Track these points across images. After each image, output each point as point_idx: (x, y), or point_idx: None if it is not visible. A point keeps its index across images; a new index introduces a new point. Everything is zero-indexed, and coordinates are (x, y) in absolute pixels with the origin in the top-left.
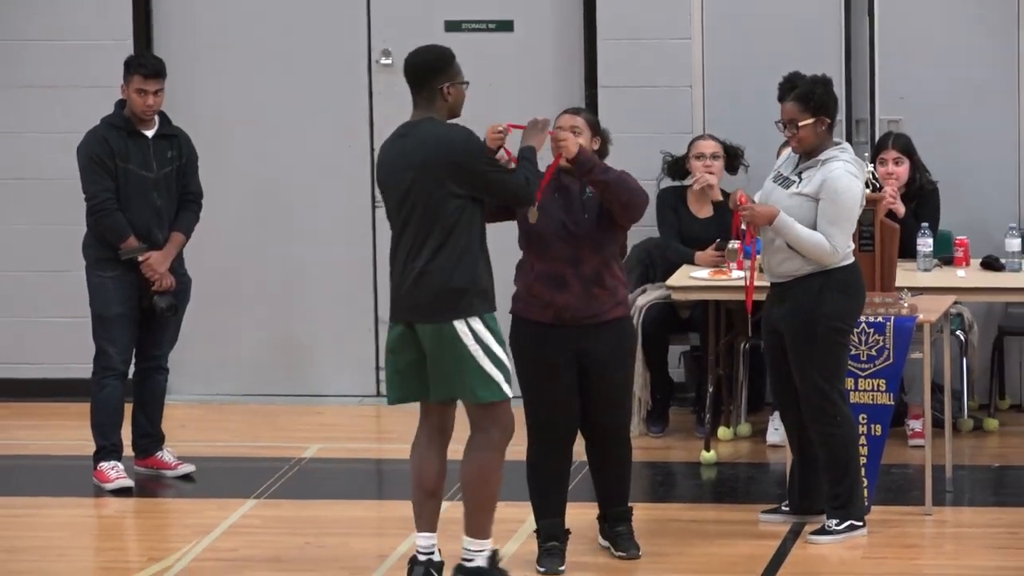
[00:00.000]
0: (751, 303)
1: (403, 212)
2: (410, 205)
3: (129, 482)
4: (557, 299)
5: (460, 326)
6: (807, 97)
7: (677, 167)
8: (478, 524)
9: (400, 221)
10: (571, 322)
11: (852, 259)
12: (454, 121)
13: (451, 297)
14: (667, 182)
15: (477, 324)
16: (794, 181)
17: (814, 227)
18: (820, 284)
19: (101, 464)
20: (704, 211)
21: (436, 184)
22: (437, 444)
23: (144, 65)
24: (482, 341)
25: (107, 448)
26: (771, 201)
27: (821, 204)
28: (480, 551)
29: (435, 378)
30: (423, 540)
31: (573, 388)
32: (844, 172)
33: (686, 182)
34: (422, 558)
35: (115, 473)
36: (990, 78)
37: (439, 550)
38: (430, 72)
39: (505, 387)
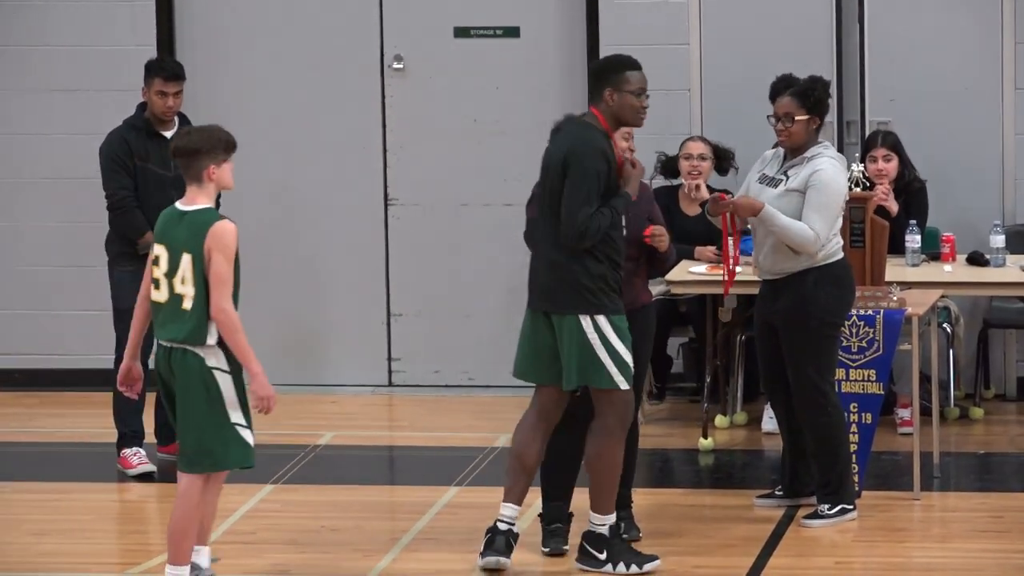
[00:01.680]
0: (728, 288)
1: (544, 201)
2: (548, 195)
3: (151, 467)
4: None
5: (585, 321)
6: (806, 94)
7: (670, 166)
8: (600, 501)
9: (544, 209)
10: (628, 307)
11: (842, 255)
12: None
13: (579, 292)
14: (659, 180)
15: (601, 320)
16: (781, 180)
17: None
18: (813, 280)
19: (124, 451)
20: (693, 209)
21: (560, 179)
22: (542, 429)
23: (164, 68)
24: (603, 335)
25: (128, 435)
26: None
27: (807, 193)
28: (603, 524)
29: (565, 366)
30: (508, 511)
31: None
32: (830, 165)
33: (675, 182)
34: (503, 527)
35: (137, 459)
36: (976, 80)
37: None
38: (598, 77)
39: (619, 378)
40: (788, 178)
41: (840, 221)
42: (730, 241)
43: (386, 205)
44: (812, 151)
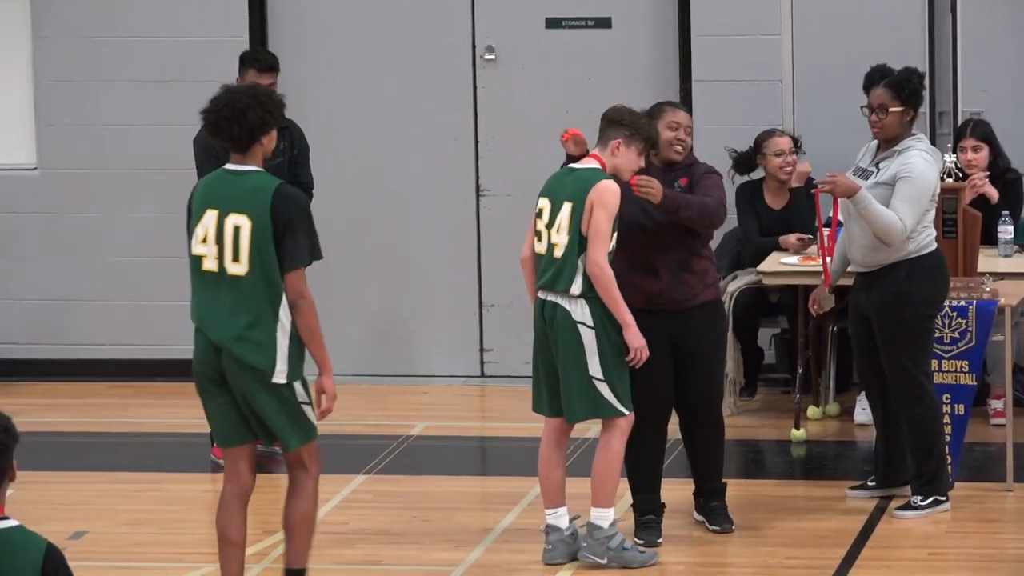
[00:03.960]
0: (828, 276)
1: None
2: None
3: None
4: (649, 286)
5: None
6: (901, 85)
7: (746, 162)
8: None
9: None
10: (665, 307)
11: (935, 246)
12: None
13: None
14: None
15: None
16: (872, 172)
17: None
18: (907, 271)
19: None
20: (779, 202)
21: None
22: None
23: (259, 60)
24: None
25: None
26: None
27: (897, 184)
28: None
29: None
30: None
31: (669, 370)
32: (920, 158)
33: (750, 176)
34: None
35: None
36: None
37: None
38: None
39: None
40: (879, 170)
41: (932, 213)
42: (826, 232)
43: (478, 196)
44: (904, 144)
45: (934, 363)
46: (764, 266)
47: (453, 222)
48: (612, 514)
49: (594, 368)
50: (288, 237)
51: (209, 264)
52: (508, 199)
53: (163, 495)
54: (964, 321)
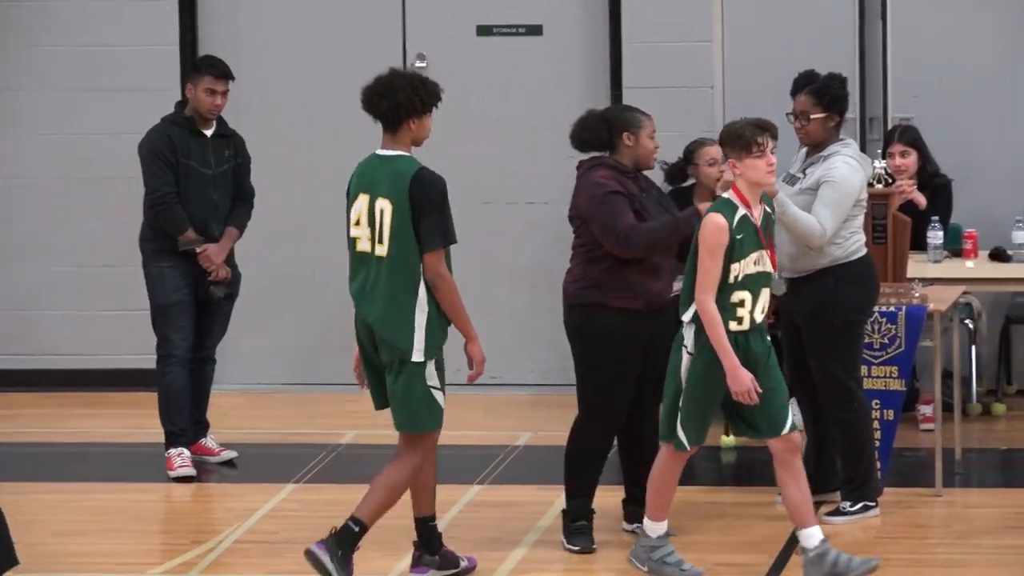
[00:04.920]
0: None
1: None
2: None
3: (192, 471)
4: (650, 285)
5: None
6: (822, 92)
7: (679, 173)
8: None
9: None
10: (655, 306)
11: (864, 252)
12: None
13: None
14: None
15: None
16: (799, 178)
17: None
18: (835, 278)
19: (170, 450)
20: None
21: None
22: None
23: (215, 66)
24: None
25: (175, 433)
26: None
27: (819, 188)
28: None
29: None
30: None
31: (638, 372)
32: (843, 163)
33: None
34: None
35: (180, 461)
36: (999, 75)
37: None
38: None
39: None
40: (805, 176)
41: (860, 218)
42: None
43: None
44: (830, 149)
45: (864, 368)
46: None
47: None
48: (663, 527)
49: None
50: (424, 219)
51: (363, 245)
52: None
53: (92, 505)
54: (893, 327)
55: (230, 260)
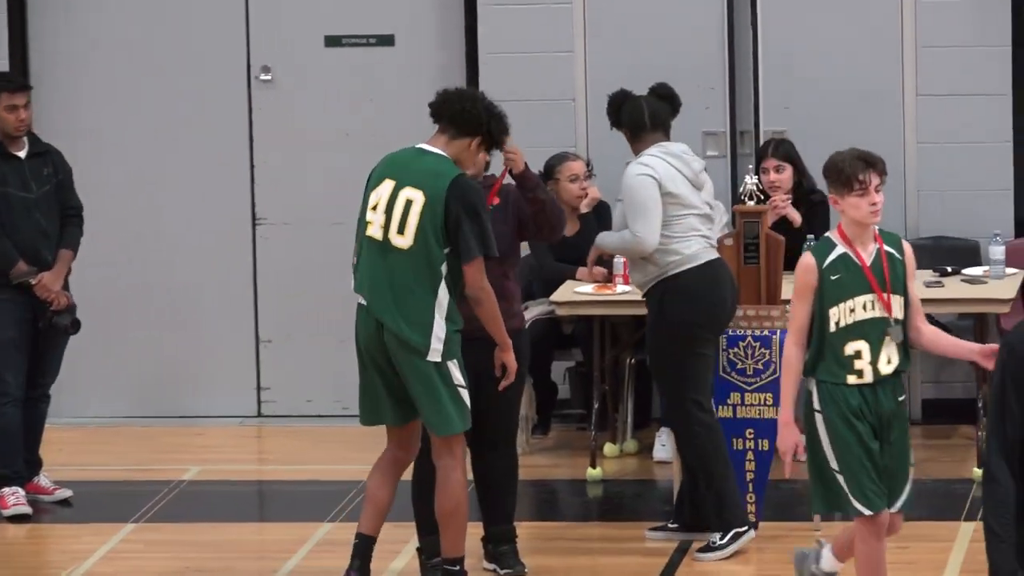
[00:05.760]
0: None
1: None
2: None
3: (27, 509)
4: (465, 309)
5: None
6: (608, 111)
7: None
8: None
9: None
10: (478, 334)
11: (695, 263)
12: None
13: None
14: None
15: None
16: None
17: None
18: (661, 292)
19: (3, 489)
20: (571, 229)
21: None
22: None
23: (10, 81)
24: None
25: (8, 476)
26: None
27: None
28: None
29: None
30: None
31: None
32: (631, 172)
33: None
34: None
35: (14, 499)
36: (876, 87)
37: None
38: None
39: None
40: None
41: (688, 222)
42: None
43: (254, 225)
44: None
45: (736, 396)
46: (557, 295)
47: (227, 253)
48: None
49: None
50: (464, 226)
51: (374, 231)
52: (286, 228)
53: None
54: (768, 351)
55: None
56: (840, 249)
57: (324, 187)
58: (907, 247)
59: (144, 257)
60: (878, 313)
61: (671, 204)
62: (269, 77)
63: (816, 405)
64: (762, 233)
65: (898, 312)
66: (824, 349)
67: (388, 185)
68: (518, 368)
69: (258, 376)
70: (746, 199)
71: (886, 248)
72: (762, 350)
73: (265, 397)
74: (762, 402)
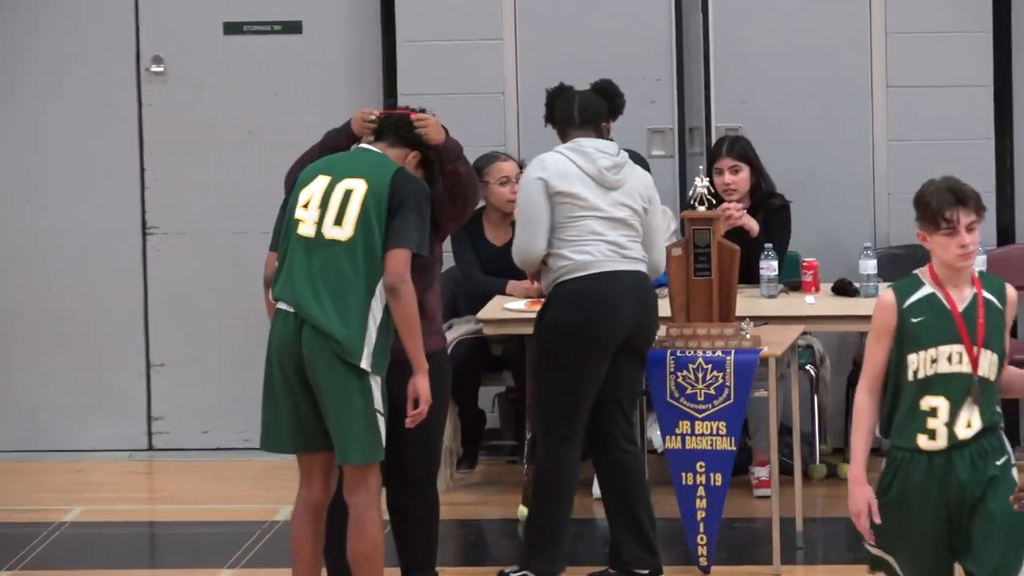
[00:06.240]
0: None
1: None
2: None
3: None
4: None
5: None
6: (546, 104)
7: None
8: None
9: None
10: (398, 357)
11: (592, 271)
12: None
13: None
14: None
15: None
16: None
17: None
18: (549, 300)
19: None
20: (501, 237)
21: None
22: None
23: None
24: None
25: None
26: None
27: None
28: None
29: None
30: None
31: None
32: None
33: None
34: None
35: None
36: (841, 77)
37: None
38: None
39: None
40: None
41: (585, 224)
42: None
43: (144, 235)
44: None
45: (686, 424)
46: (485, 313)
47: (115, 266)
48: None
49: None
50: (400, 215)
51: (305, 229)
52: (181, 238)
53: None
54: (720, 375)
55: None
56: (927, 289)
57: (224, 192)
58: (1011, 294)
59: (19, 272)
60: (964, 368)
61: (564, 204)
62: (161, 68)
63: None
64: (714, 242)
65: (986, 370)
66: (899, 401)
67: (323, 181)
68: (440, 394)
69: (149, 404)
70: (696, 204)
71: (985, 294)
72: (715, 373)
73: (157, 428)
74: (715, 431)
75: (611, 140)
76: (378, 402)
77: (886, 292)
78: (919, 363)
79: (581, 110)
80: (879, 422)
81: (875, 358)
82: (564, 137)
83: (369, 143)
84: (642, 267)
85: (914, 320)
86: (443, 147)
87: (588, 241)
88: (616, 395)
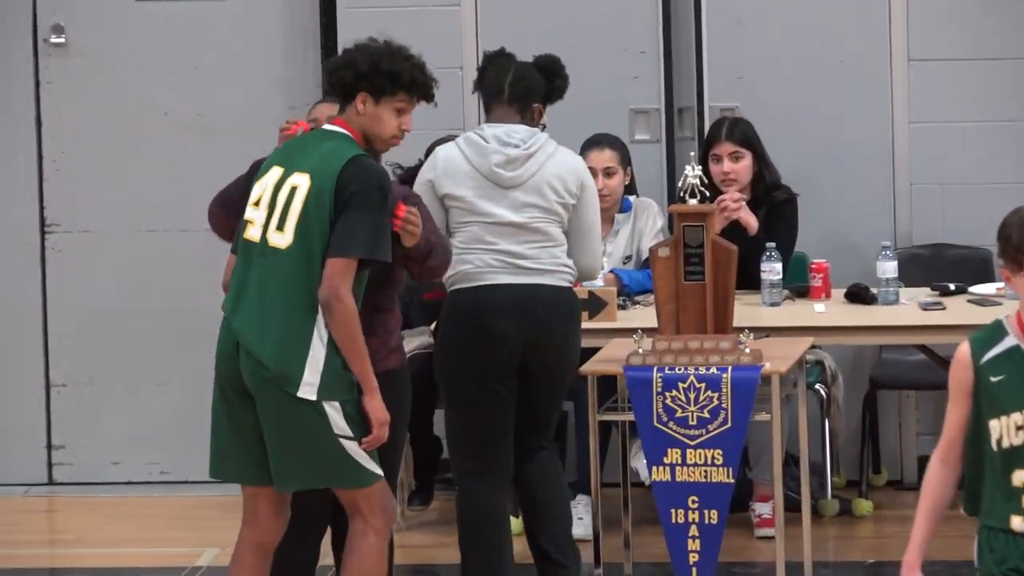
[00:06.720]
0: None
1: None
2: None
3: None
4: None
5: None
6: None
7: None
8: None
9: None
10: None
11: (473, 283)
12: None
13: None
14: None
15: None
16: None
17: None
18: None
19: None
20: None
21: None
22: None
23: None
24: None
25: None
26: None
27: None
28: None
29: None
30: None
31: None
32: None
33: None
34: None
35: None
36: (855, 51)
37: None
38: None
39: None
40: None
41: (473, 231)
42: None
43: (43, 234)
44: None
45: (676, 453)
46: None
47: (7, 270)
48: None
49: None
50: (347, 213)
51: (252, 232)
52: (85, 237)
53: None
54: (716, 395)
55: None
56: (1011, 340)
57: (136, 184)
58: None
59: None
60: None
61: (453, 208)
62: (62, 40)
63: (975, 558)
64: (708, 241)
65: None
66: (982, 474)
67: (275, 173)
68: (398, 418)
69: (48, 432)
70: (687, 196)
71: None
72: (709, 393)
73: (57, 459)
74: (709, 461)
75: (539, 127)
76: (339, 427)
77: (963, 344)
78: (1002, 430)
79: (512, 83)
80: (964, 497)
81: (951, 422)
82: (487, 112)
83: (330, 120)
84: (552, 279)
85: (994, 379)
86: (414, 249)
87: (471, 250)
88: (527, 424)
